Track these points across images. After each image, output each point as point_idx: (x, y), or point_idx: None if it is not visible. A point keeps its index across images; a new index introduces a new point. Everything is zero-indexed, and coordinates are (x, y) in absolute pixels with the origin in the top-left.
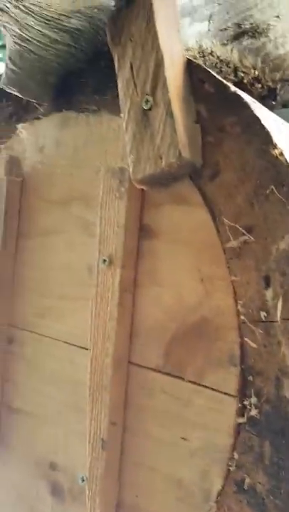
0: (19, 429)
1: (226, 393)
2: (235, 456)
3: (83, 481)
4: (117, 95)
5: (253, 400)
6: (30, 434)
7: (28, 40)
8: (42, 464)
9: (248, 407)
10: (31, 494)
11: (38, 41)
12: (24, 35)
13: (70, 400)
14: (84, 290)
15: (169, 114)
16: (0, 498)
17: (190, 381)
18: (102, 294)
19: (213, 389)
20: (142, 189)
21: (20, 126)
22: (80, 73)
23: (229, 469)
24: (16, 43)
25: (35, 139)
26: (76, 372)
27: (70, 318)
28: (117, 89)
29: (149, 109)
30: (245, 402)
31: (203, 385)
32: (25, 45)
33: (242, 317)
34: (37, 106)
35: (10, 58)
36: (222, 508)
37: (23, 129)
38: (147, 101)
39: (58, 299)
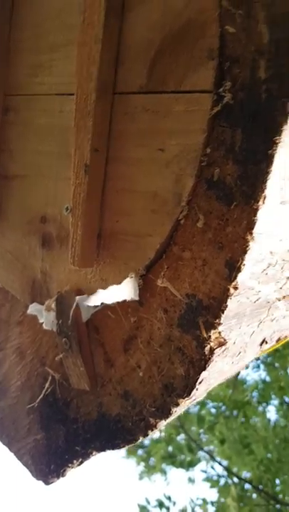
0: (15, 195)
1: (203, 91)
2: (208, 151)
3: (67, 210)
4: None
5: (228, 85)
6: (25, 195)
7: None
8: (34, 221)
9: (223, 93)
10: (24, 253)
11: None
12: None
13: (60, 150)
14: (75, 32)
15: None
16: None
17: (171, 91)
18: (90, 19)
19: (191, 91)
20: None
21: None
22: None
23: (202, 166)
24: None
25: None
26: (65, 120)
27: (60, 67)
28: None
29: None
30: (220, 90)
31: (182, 91)
32: None
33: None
34: None
35: None
36: (193, 209)
37: None
38: None
39: (50, 52)
